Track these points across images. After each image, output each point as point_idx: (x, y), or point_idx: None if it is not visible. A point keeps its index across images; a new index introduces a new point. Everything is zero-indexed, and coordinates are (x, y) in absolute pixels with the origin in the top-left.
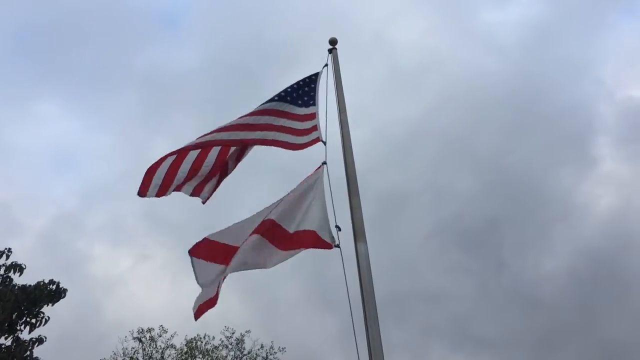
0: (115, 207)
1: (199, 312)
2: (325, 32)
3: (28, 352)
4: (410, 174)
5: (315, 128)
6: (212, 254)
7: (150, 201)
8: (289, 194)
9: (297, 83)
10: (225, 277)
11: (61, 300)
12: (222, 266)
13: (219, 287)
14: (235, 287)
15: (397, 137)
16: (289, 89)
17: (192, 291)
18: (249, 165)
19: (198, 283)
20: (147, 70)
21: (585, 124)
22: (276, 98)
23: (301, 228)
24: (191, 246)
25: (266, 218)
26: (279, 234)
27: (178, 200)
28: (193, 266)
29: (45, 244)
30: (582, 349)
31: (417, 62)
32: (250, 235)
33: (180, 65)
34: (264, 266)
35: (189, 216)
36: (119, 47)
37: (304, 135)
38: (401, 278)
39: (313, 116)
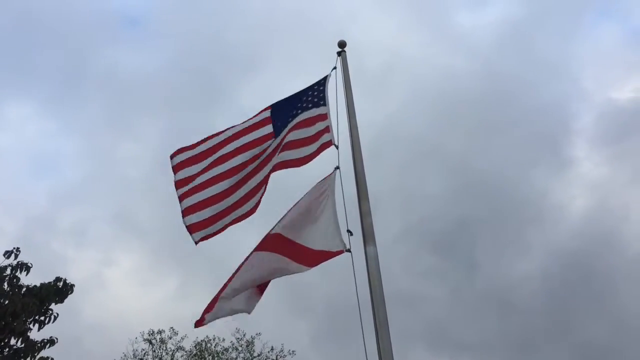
0: (87, 210)
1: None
2: (286, 33)
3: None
4: (378, 177)
5: (327, 130)
6: None
7: (121, 205)
8: (300, 200)
9: (309, 88)
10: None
11: None
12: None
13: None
14: (212, 291)
15: (364, 141)
16: (302, 98)
17: (166, 294)
18: None
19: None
20: (109, 72)
21: (561, 126)
22: (289, 120)
23: (311, 246)
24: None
25: (280, 233)
26: (295, 249)
27: (147, 204)
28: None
29: (20, 247)
30: (559, 352)
31: (384, 63)
32: (261, 251)
33: (142, 67)
34: (276, 275)
35: (159, 220)
36: (81, 48)
37: (316, 141)
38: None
39: (325, 117)
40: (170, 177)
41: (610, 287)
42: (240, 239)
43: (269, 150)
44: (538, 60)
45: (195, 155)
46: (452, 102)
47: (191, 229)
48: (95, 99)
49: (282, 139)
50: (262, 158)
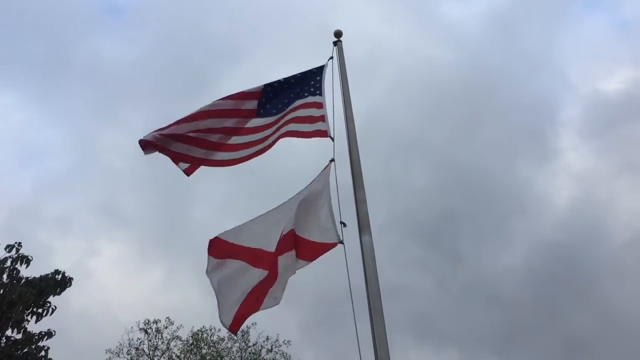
0: (72, 199)
1: (239, 319)
2: (270, 23)
3: (42, 352)
4: (362, 168)
5: (322, 118)
6: (234, 253)
7: (105, 194)
8: (301, 194)
9: (304, 77)
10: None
11: None
12: (256, 269)
13: (259, 292)
14: (197, 281)
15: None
16: (297, 87)
17: (153, 284)
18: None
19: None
20: (92, 61)
21: (547, 118)
22: (286, 101)
23: (309, 237)
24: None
25: (289, 230)
26: (301, 244)
27: (132, 194)
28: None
29: (5, 237)
30: (544, 343)
31: (369, 54)
32: (287, 251)
33: (125, 56)
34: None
35: (144, 209)
36: (64, 38)
37: (312, 123)
38: (358, 274)
39: (320, 105)
40: (153, 166)
41: (595, 278)
42: (223, 227)
43: (258, 132)
44: (524, 51)
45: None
46: (436, 93)
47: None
48: (79, 89)
49: (280, 119)
50: (246, 138)
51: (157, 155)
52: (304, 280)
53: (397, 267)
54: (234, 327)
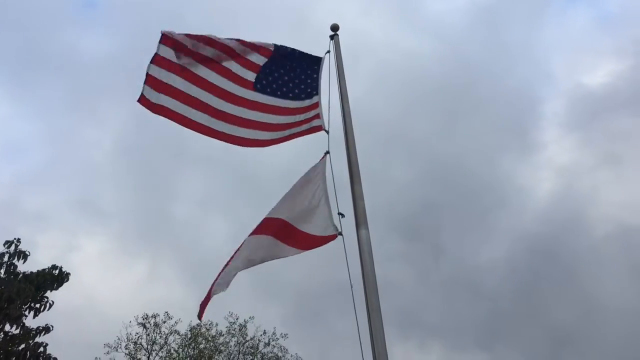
0: (51, 194)
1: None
2: (248, 16)
3: (41, 348)
4: (341, 161)
5: (317, 116)
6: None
7: (84, 189)
8: (295, 186)
9: (300, 75)
10: (224, 273)
11: None
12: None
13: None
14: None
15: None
16: (290, 84)
17: (137, 278)
18: (181, 157)
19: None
20: (69, 54)
21: (529, 110)
22: (278, 93)
23: (306, 230)
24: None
25: (275, 217)
26: (289, 232)
27: (113, 189)
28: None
29: None
30: (528, 335)
31: (349, 47)
32: (256, 234)
33: (103, 49)
34: (270, 258)
35: (123, 204)
36: (40, 31)
37: (308, 122)
38: (341, 268)
39: (316, 105)
40: (132, 161)
41: (577, 270)
42: (204, 222)
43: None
44: (506, 45)
45: (184, 44)
46: (418, 87)
47: (143, 100)
48: (56, 83)
49: (277, 109)
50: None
51: (140, 149)
52: (288, 276)
53: (379, 260)
54: (200, 313)
